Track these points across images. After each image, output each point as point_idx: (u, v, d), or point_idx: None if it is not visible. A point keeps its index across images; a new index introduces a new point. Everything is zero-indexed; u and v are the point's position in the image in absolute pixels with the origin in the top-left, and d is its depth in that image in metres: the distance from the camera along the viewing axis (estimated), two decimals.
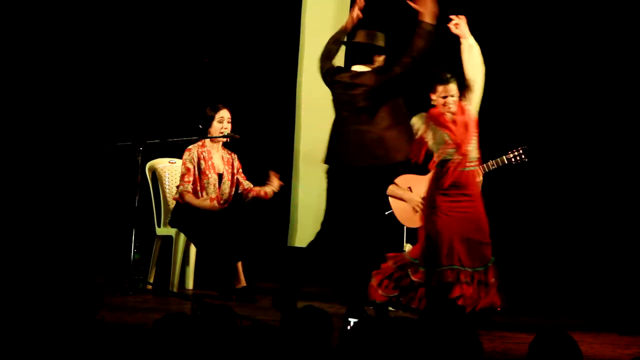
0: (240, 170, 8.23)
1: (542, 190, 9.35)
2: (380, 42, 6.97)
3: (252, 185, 8.22)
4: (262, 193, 8.18)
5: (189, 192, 7.99)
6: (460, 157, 7.07)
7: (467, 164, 7.09)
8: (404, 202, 7.99)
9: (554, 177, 9.29)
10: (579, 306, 8.51)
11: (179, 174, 8.26)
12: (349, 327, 4.34)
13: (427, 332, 4.08)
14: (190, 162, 8.05)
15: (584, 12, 9.27)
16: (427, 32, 6.76)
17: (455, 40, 7.05)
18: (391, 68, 6.83)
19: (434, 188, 7.12)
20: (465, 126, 7.06)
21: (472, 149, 7.11)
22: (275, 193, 8.27)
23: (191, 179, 8.03)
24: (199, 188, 8.05)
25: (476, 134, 7.11)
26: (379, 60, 6.95)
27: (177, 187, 8.10)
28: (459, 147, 7.07)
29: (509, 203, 9.02)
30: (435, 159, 7.14)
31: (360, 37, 6.99)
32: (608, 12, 9.21)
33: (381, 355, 3.93)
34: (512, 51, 9.31)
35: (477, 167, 7.19)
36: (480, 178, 7.67)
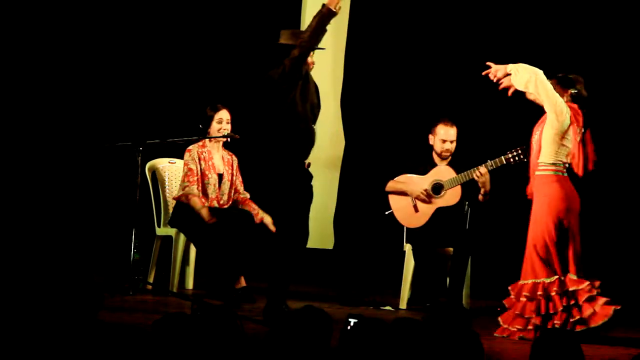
0: (239, 173, 8.22)
1: None
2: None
3: (248, 196, 8.20)
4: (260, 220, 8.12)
5: (194, 195, 7.96)
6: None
7: (537, 169, 7.05)
8: (403, 202, 8.00)
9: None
10: None
11: (180, 175, 8.26)
12: (349, 327, 4.34)
13: (427, 332, 4.08)
14: (193, 162, 8.04)
15: (586, 12, 9.28)
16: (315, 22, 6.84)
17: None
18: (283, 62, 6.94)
19: None
20: (541, 128, 7.05)
21: (534, 153, 7.05)
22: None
23: (195, 178, 8.01)
24: (199, 188, 8.05)
25: (538, 135, 7.03)
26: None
27: (183, 187, 8.03)
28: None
29: (511, 202, 9.02)
30: None
31: (284, 37, 7.05)
32: (610, 12, 9.22)
33: (381, 355, 3.93)
34: (512, 51, 9.31)
35: (544, 172, 7.05)
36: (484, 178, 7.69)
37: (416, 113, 9.38)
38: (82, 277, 4.50)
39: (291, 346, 4.04)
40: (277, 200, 7.00)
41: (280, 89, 6.89)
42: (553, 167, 6.95)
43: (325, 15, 6.78)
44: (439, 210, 7.93)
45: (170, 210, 8.22)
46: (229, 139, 8.14)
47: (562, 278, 6.81)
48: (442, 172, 7.96)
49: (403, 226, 8.07)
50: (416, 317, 7.29)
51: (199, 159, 8.05)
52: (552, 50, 9.37)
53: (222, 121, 8.10)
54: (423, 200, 7.92)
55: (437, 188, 7.94)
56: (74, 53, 9.79)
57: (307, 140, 7.00)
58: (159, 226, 8.34)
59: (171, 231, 8.22)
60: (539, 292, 6.78)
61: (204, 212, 7.84)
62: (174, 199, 8.12)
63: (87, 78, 9.83)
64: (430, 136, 8.08)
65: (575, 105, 6.98)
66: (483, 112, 9.32)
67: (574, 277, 6.82)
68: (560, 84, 6.99)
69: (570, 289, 6.77)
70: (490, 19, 9.49)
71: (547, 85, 6.88)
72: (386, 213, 8.06)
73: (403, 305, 8.00)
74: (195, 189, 7.97)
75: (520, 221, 9.09)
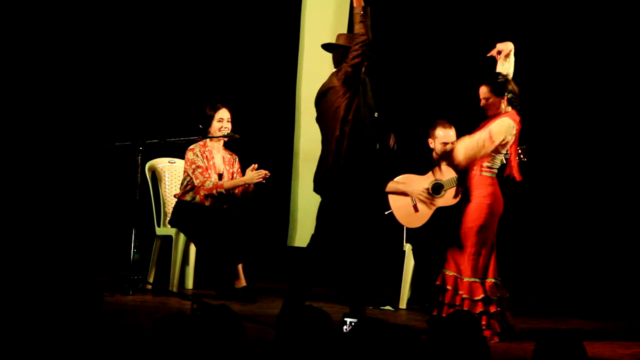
0: (240, 170, 8.22)
1: (542, 190, 9.35)
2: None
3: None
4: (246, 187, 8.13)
5: (220, 183, 7.98)
6: None
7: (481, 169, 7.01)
8: (403, 202, 7.98)
9: (558, 176, 9.30)
10: (580, 306, 8.51)
11: (180, 175, 8.26)
12: (347, 328, 4.34)
13: (434, 336, 4.06)
14: (198, 159, 8.03)
15: (583, 11, 9.28)
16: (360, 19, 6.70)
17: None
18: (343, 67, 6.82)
19: None
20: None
21: None
22: (271, 187, 8.27)
23: (208, 172, 8.02)
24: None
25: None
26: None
27: (202, 185, 8.01)
28: None
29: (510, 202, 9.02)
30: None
31: (341, 39, 6.96)
32: (607, 12, 9.22)
33: (380, 355, 3.92)
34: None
35: (485, 174, 6.97)
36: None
37: (416, 113, 9.37)
38: (82, 277, 4.49)
39: (292, 346, 4.03)
40: (348, 211, 6.93)
41: (346, 95, 6.84)
42: (490, 170, 6.90)
43: (361, 14, 6.71)
44: (439, 210, 7.91)
45: (170, 210, 8.22)
46: (227, 139, 8.15)
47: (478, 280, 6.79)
48: (442, 172, 7.95)
49: (403, 226, 8.06)
50: (416, 317, 7.32)
51: (202, 158, 8.05)
52: (551, 50, 9.38)
53: (222, 120, 8.11)
54: (424, 201, 7.91)
55: (437, 188, 7.93)
56: (74, 53, 9.78)
57: (373, 145, 6.97)
58: (158, 226, 8.34)
59: (171, 231, 8.22)
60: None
61: (249, 177, 7.95)
62: (196, 202, 8.04)
63: (87, 78, 9.82)
64: (430, 140, 8.06)
65: (514, 112, 6.90)
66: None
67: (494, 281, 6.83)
68: (494, 92, 6.88)
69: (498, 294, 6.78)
70: (489, 19, 9.48)
71: (482, 143, 6.80)
72: (386, 213, 8.06)
73: (403, 305, 7.99)
74: (215, 178, 7.99)
75: (520, 221, 9.11)
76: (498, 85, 6.87)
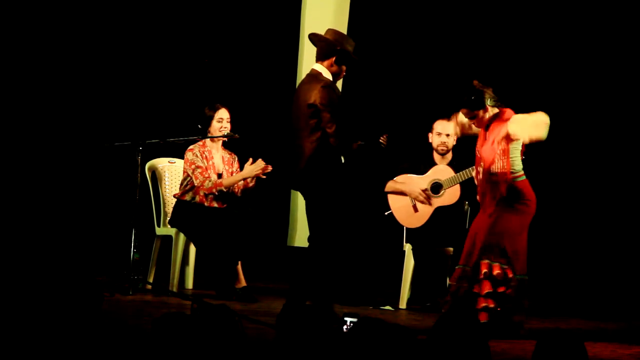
0: (239, 170, 8.22)
1: (542, 190, 9.35)
2: (348, 47, 6.83)
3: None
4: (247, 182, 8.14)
5: (220, 182, 7.99)
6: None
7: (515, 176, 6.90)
8: (403, 202, 7.99)
9: (558, 176, 9.30)
10: (580, 306, 8.51)
11: (179, 175, 8.26)
12: (346, 328, 4.34)
13: (434, 336, 4.06)
14: (198, 159, 8.03)
15: (583, 12, 9.28)
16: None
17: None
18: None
19: None
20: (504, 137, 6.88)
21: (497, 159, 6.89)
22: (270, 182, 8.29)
23: (206, 173, 8.02)
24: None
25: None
26: (338, 67, 6.86)
27: (202, 185, 8.00)
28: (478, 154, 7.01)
29: None
30: None
31: (329, 34, 6.93)
32: (607, 12, 9.22)
33: (379, 355, 3.92)
34: (510, 52, 9.32)
35: (521, 178, 6.91)
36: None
37: (416, 113, 9.38)
38: (82, 277, 4.49)
39: (292, 346, 4.04)
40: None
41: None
42: (517, 174, 6.87)
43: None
44: (439, 210, 7.92)
45: (170, 210, 8.22)
46: (227, 139, 8.16)
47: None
48: (441, 171, 7.96)
49: (403, 226, 8.07)
50: (416, 317, 7.32)
51: (201, 158, 8.06)
52: (551, 50, 9.38)
53: (222, 120, 8.11)
54: (423, 202, 7.91)
55: (436, 187, 7.94)
56: (74, 53, 9.78)
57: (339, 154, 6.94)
58: (158, 226, 8.34)
59: (171, 231, 8.22)
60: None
61: (247, 171, 7.96)
62: (196, 202, 8.04)
63: (87, 78, 9.83)
64: (429, 134, 8.09)
65: (509, 110, 6.82)
66: None
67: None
68: (475, 109, 6.80)
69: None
70: (489, 19, 9.49)
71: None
72: (386, 213, 8.06)
73: (403, 305, 7.99)
74: (214, 178, 7.99)
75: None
76: (474, 103, 6.80)
